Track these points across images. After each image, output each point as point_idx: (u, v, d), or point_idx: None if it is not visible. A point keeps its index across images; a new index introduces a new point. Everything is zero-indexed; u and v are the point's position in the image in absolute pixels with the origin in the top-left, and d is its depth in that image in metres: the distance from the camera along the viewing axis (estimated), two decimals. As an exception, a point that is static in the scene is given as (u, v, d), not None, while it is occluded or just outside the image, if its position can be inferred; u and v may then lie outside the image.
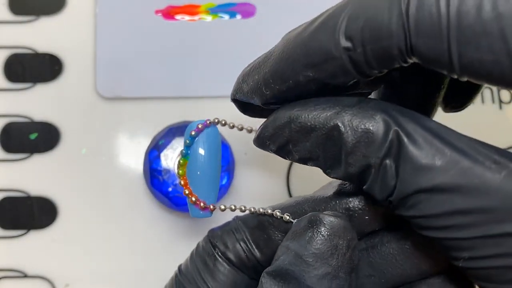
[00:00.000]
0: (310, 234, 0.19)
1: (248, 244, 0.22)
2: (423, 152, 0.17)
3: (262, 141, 0.20)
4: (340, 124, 0.18)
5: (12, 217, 0.33)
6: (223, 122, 0.25)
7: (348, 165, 0.18)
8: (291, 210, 0.21)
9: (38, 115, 0.34)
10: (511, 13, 0.15)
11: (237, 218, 0.23)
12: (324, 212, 0.19)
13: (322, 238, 0.18)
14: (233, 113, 0.34)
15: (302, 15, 0.36)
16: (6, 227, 0.33)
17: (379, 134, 0.17)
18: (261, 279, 0.19)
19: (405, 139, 0.17)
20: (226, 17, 0.35)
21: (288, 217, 0.21)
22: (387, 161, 0.17)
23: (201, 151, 0.24)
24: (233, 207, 0.24)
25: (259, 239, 0.22)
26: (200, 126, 0.24)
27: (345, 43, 0.17)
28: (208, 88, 0.34)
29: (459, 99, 0.22)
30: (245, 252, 0.22)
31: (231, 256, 0.22)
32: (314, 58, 0.18)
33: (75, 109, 0.34)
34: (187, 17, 0.35)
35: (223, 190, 0.32)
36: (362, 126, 0.17)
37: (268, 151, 0.21)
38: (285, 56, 0.19)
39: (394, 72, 0.20)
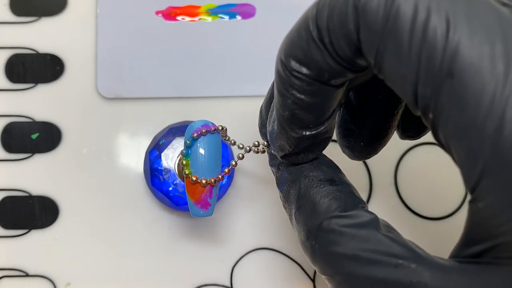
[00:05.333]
0: None
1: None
2: None
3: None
4: None
5: (14, 217, 0.33)
6: (225, 133, 0.25)
7: None
8: None
9: (39, 115, 0.34)
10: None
11: None
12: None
13: None
14: (233, 114, 0.34)
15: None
16: (8, 226, 0.33)
17: None
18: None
19: None
20: (226, 18, 0.35)
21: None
22: None
23: (201, 151, 0.25)
24: (240, 156, 0.25)
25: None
26: (204, 131, 0.24)
27: (316, 34, 0.18)
28: (208, 88, 0.34)
29: (415, 128, 0.23)
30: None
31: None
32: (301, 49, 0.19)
33: (76, 109, 0.34)
34: (187, 18, 0.35)
35: (223, 190, 0.32)
36: None
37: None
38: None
39: (351, 94, 0.23)
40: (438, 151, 0.34)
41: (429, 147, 0.34)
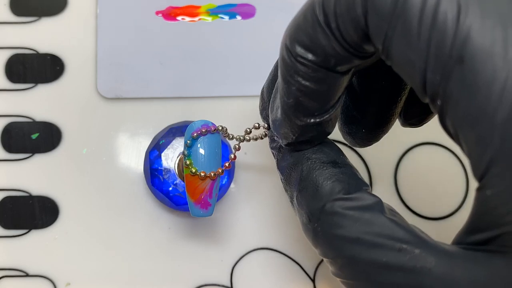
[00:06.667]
0: None
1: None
2: None
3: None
4: None
5: (14, 217, 0.33)
6: (226, 133, 0.25)
7: None
8: None
9: (40, 115, 0.34)
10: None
11: None
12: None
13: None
14: (233, 114, 0.34)
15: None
16: (8, 226, 0.33)
17: None
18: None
19: None
20: (226, 18, 0.35)
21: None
22: None
23: (201, 151, 0.25)
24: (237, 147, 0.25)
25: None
26: (204, 131, 0.24)
27: (322, 18, 0.18)
28: (208, 88, 0.34)
29: (418, 115, 0.23)
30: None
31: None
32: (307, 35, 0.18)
33: (76, 109, 0.34)
34: (187, 18, 0.35)
35: (223, 190, 0.32)
36: None
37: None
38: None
39: (354, 80, 0.22)
40: (438, 151, 0.34)
41: (429, 147, 0.34)
